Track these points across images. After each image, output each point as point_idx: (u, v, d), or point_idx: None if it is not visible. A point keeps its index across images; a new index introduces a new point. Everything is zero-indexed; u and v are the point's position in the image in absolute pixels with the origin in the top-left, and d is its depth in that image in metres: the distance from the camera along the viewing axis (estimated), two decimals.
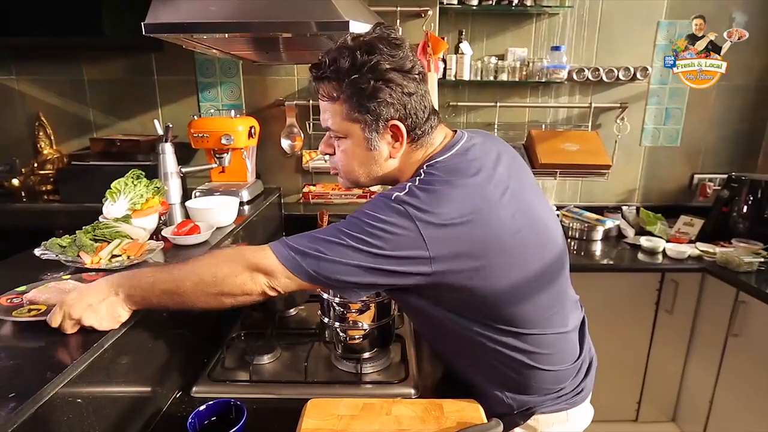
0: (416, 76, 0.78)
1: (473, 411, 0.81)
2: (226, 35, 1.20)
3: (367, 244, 0.71)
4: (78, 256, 0.94)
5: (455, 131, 0.88)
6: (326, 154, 0.87)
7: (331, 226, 0.76)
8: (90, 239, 0.99)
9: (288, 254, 0.74)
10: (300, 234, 0.77)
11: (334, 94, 0.78)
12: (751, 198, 1.94)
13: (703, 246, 1.92)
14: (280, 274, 0.74)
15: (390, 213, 0.72)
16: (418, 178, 0.77)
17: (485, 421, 0.78)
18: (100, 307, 0.72)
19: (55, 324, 0.70)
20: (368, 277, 0.73)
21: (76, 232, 1.00)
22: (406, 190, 0.74)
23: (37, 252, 0.99)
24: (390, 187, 0.82)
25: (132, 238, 1.03)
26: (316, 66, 0.79)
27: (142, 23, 1.09)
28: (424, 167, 0.80)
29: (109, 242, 0.99)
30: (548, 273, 0.82)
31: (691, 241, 1.98)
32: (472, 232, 0.73)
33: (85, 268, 0.93)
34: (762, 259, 1.74)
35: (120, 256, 0.97)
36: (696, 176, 2.24)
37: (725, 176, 2.09)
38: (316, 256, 0.73)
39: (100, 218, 1.12)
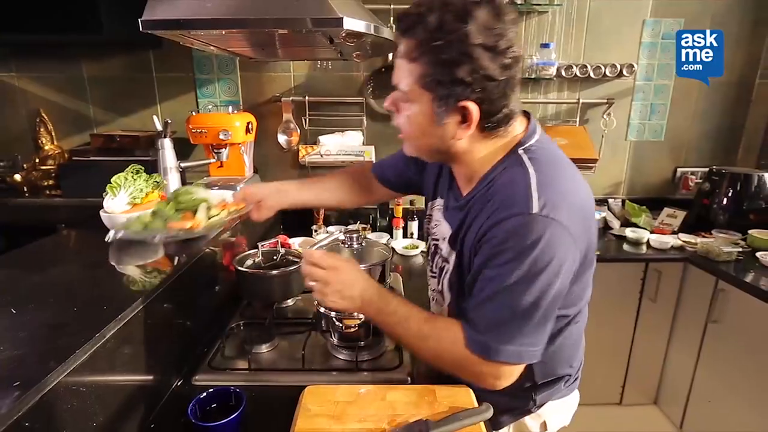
0: (507, 60, 0.67)
1: (465, 396, 0.83)
2: (223, 32, 1.22)
3: (549, 284, 0.69)
4: (166, 227, 1.00)
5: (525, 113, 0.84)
6: (390, 110, 0.80)
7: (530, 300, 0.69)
8: (173, 210, 1.04)
9: (518, 354, 0.72)
10: (502, 330, 0.72)
11: (413, 54, 0.69)
12: (731, 191, 2.01)
13: (685, 237, 1.98)
14: (515, 371, 0.75)
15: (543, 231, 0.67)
16: (536, 180, 0.71)
17: (476, 405, 0.81)
18: (341, 302, 0.82)
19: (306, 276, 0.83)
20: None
21: (156, 205, 1.06)
22: (536, 199, 0.68)
23: (109, 238, 1.05)
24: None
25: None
26: (402, 17, 0.71)
27: (139, 20, 1.10)
28: (523, 156, 0.77)
29: (193, 212, 1.05)
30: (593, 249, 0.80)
31: (673, 233, 2.05)
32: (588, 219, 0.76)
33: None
34: (740, 249, 1.80)
35: (218, 214, 1.06)
36: (679, 170, 2.30)
37: (707, 170, 2.15)
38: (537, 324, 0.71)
39: (101, 212, 1.13)
